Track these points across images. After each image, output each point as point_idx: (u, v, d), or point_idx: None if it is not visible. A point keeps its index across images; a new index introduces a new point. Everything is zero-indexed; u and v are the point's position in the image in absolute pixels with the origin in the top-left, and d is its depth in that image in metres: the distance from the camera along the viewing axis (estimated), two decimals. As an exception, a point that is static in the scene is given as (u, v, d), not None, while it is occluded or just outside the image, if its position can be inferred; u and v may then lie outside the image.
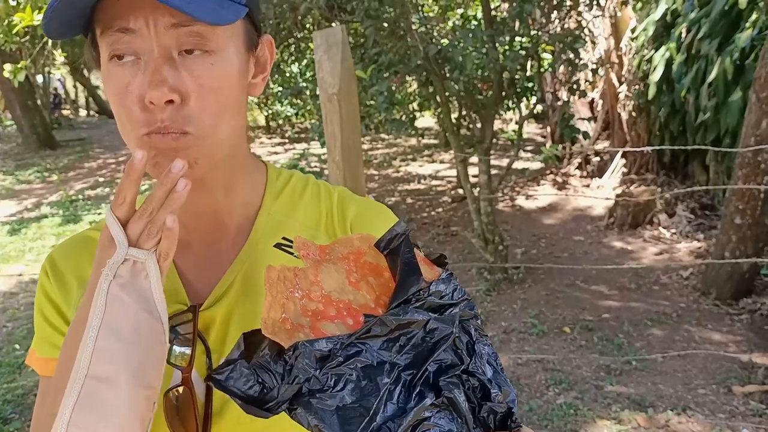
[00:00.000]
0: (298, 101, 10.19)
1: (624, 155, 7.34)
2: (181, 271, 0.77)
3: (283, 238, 0.78)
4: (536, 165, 8.90)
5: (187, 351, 0.71)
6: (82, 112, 23.77)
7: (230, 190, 0.76)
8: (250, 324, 0.71)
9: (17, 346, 4.32)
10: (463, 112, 5.91)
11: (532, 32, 4.92)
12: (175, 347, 0.71)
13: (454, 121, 5.36)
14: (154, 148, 0.65)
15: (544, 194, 7.52)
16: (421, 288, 0.52)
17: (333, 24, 5.02)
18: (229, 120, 0.69)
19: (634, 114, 7.31)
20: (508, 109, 6.39)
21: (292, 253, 0.77)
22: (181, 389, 0.71)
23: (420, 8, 5.37)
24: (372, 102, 4.64)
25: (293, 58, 7.81)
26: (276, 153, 11.83)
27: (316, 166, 9.59)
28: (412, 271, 0.53)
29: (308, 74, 8.77)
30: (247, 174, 0.80)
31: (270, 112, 14.18)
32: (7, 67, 4.29)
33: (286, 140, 13.48)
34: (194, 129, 0.65)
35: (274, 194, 0.82)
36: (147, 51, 0.64)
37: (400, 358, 0.48)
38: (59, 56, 4.57)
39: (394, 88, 5.01)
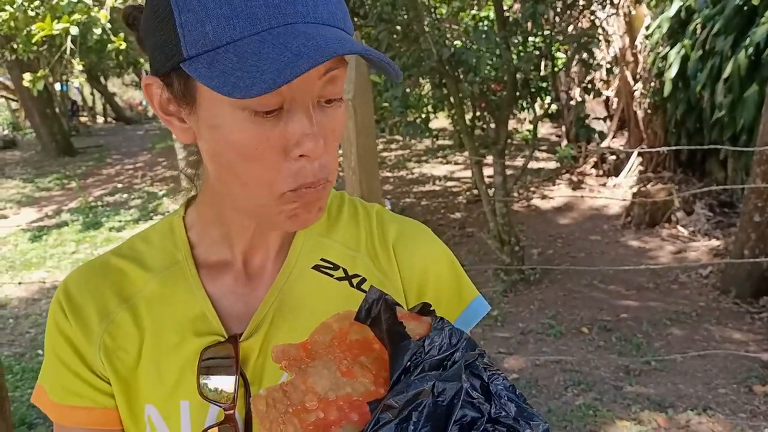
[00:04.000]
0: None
1: (640, 153, 7.30)
2: (213, 297, 0.72)
3: (322, 260, 0.74)
4: (551, 165, 8.87)
5: (220, 381, 0.67)
6: (99, 119, 24.04)
7: None
8: None
9: (40, 352, 4.39)
10: (477, 113, 5.92)
11: (546, 32, 4.91)
12: (208, 376, 0.67)
13: (468, 122, 5.36)
14: (298, 202, 0.62)
15: (559, 194, 7.49)
16: (416, 351, 0.49)
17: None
18: None
19: (649, 111, 7.26)
20: (523, 109, 6.39)
21: (332, 275, 0.74)
22: (217, 429, 0.67)
23: (433, 10, 5.38)
24: (386, 105, 4.66)
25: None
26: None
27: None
28: (399, 337, 0.50)
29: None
30: None
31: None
32: (26, 76, 4.36)
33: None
34: (331, 176, 0.64)
35: None
36: (296, 100, 0.58)
37: None
38: (77, 65, 4.64)
39: (408, 91, 5.02)
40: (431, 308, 0.56)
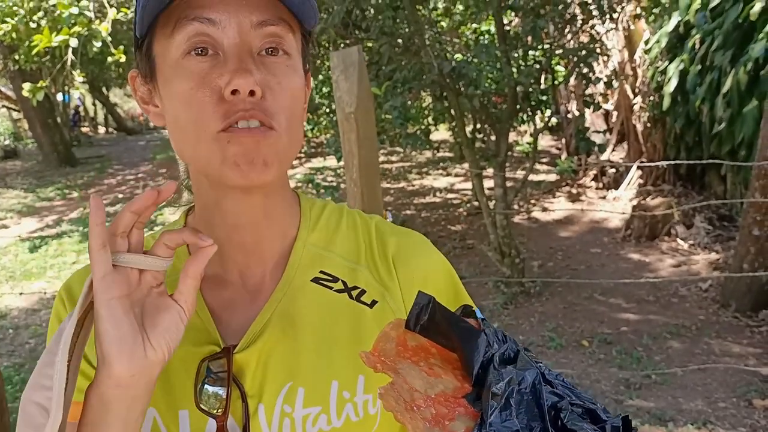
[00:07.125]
0: (314, 117, 10.29)
1: (640, 166, 7.32)
2: (213, 308, 0.72)
3: (321, 272, 0.74)
4: (552, 177, 8.89)
5: (221, 392, 0.66)
6: (101, 130, 24.08)
7: (269, 216, 0.72)
8: (291, 366, 0.69)
9: (40, 362, 4.39)
10: (478, 126, 5.94)
11: (546, 46, 4.95)
12: (207, 386, 0.67)
13: (469, 134, 5.39)
14: (234, 145, 0.61)
15: (560, 207, 7.50)
16: (486, 344, 0.52)
17: (348, 42, 5.09)
18: (297, 129, 0.67)
19: (649, 125, 7.30)
20: (523, 122, 6.41)
21: (330, 288, 0.73)
22: None
23: (434, 24, 5.42)
24: (387, 117, 4.68)
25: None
26: (292, 167, 11.93)
27: (332, 180, 9.65)
28: (469, 332, 0.53)
29: (324, 90, 8.86)
30: (285, 201, 0.75)
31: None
32: (26, 86, 4.38)
33: (302, 155, 13.58)
34: (277, 125, 0.63)
35: (309, 225, 0.77)
36: (229, 45, 0.62)
37: (521, 421, 0.47)
38: (78, 76, 4.67)
39: (409, 103, 5.04)
40: (473, 309, 0.59)
